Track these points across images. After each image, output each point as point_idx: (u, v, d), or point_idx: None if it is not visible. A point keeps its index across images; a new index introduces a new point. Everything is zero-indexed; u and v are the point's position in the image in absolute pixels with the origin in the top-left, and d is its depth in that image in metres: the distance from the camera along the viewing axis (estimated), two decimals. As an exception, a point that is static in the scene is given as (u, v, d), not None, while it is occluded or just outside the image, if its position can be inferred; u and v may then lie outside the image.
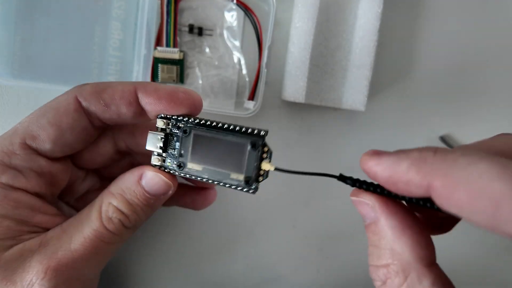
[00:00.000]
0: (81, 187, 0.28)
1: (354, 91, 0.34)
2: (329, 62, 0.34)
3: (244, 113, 0.33)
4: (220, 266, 0.38)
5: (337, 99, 0.34)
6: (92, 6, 0.31)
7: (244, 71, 0.34)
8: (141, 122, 0.25)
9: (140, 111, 0.24)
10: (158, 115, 0.24)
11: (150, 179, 0.24)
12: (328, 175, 0.21)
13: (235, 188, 0.22)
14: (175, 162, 0.24)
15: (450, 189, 0.15)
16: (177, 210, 0.31)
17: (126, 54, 0.33)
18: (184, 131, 0.23)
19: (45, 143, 0.23)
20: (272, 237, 0.38)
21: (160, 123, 0.24)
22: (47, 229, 0.23)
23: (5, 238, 0.22)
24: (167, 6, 0.32)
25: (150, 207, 0.24)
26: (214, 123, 0.23)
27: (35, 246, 0.22)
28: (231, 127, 0.22)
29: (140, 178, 0.24)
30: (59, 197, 0.27)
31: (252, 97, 0.34)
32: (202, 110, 0.33)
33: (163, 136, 0.23)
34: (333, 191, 0.35)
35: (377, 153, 0.17)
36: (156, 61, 0.32)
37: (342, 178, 0.21)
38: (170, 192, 0.25)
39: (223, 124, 0.22)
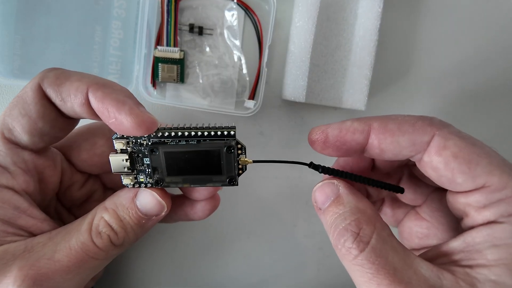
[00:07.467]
0: (80, 192, 0.27)
1: (354, 91, 0.34)
2: (329, 61, 0.34)
3: (244, 113, 0.33)
4: (220, 266, 0.38)
5: (337, 99, 0.35)
6: (92, 5, 0.31)
7: (245, 71, 0.34)
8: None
9: (94, 112, 0.22)
10: (113, 135, 0.22)
11: (144, 197, 0.23)
12: (299, 163, 0.23)
13: (218, 186, 0.23)
14: (151, 179, 0.23)
15: (384, 123, 0.21)
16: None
17: (126, 54, 0.33)
18: (152, 150, 0.22)
19: (21, 135, 0.22)
20: (272, 236, 0.38)
21: (118, 145, 0.22)
22: (32, 234, 0.23)
23: None
24: (168, 5, 0.32)
25: (141, 227, 0.24)
26: (180, 133, 0.21)
27: (18, 251, 0.21)
28: (199, 133, 0.21)
29: (135, 195, 0.23)
30: (58, 201, 0.27)
31: (252, 96, 0.34)
32: (202, 110, 0.34)
33: (127, 158, 0.22)
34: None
35: (323, 125, 0.22)
36: (157, 60, 0.32)
37: (312, 165, 0.23)
38: (163, 213, 0.24)
39: (189, 132, 0.21)
